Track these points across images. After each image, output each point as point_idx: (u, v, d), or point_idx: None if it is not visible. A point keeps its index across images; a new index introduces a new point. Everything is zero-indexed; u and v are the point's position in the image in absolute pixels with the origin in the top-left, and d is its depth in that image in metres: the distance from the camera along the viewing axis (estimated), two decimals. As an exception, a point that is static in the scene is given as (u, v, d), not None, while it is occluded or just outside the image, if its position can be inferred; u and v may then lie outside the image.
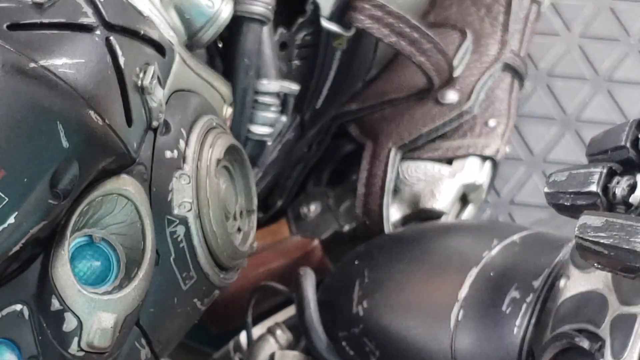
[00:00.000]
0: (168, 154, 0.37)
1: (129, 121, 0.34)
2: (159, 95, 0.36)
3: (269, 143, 0.51)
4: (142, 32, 0.36)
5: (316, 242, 0.58)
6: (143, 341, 0.37)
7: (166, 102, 0.37)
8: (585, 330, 0.34)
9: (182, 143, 0.38)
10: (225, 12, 0.41)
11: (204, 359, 0.57)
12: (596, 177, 0.33)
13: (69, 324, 0.33)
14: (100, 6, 0.34)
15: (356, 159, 0.58)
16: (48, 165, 0.31)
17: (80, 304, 0.33)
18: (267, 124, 0.50)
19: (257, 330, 0.53)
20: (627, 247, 0.30)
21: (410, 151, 0.56)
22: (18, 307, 0.33)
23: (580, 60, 0.65)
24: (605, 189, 0.32)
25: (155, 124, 0.36)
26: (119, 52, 0.34)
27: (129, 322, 0.35)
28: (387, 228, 0.55)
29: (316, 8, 0.50)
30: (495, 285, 0.41)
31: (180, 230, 0.37)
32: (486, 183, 0.56)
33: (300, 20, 0.50)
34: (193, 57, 0.40)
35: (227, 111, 0.44)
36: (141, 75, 0.35)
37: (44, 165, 0.31)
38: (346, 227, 0.58)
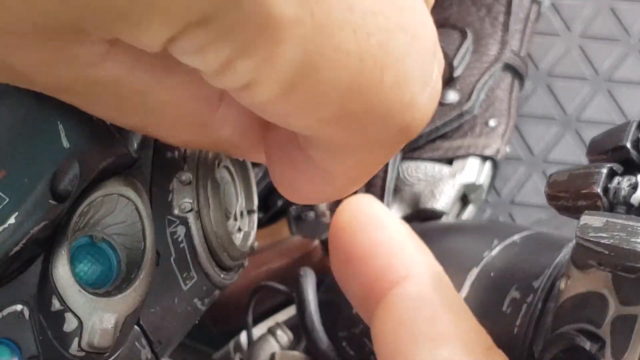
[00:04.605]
0: (168, 154, 0.37)
1: (130, 121, 0.34)
2: (159, 96, 0.36)
3: (269, 143, 0.51)
4: (142, 33, 0.36)
5: (317, 242, 0.58)
6: (143, 341, 0.37)
7: (167, 103, 0.37)
8: (586, 330, 0.34)
9: (182, 143, 0.37)
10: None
11: (204, 359, 0.57)
12: (597, 177, 0.33)
13: (70, 324, 0.33)
14: (100, 6, 0.34)
15: (356, 159, 0.57)
16: (49, 166, 0.31)
17: (81, 305, 0.33)
18: (268, 124, 0.49)
19: (258, 330, 0.53)
20: (627, 247, 0.30)
21: (411, 151, 0.56)
22: (18, 307, 0.33)
23: (580, 60, 0.65)
24: (606, 189, 0.32)
25: (155, 124, 0.36)
26: (120, 53, 0.34)
27: (130, 323, 0.35)
28: (387, 228, 0.55)
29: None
30: (495, 285, 0.41)
31: (181, 230, 0.37)
32: (486, 183, 0.56)
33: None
34: (193, 58, 0.40)
35: (228, 111, 0.44)
36: (142, 75, 0.35)
37: (45, 165, 0.31)
38: (346, 227, 0.58)
